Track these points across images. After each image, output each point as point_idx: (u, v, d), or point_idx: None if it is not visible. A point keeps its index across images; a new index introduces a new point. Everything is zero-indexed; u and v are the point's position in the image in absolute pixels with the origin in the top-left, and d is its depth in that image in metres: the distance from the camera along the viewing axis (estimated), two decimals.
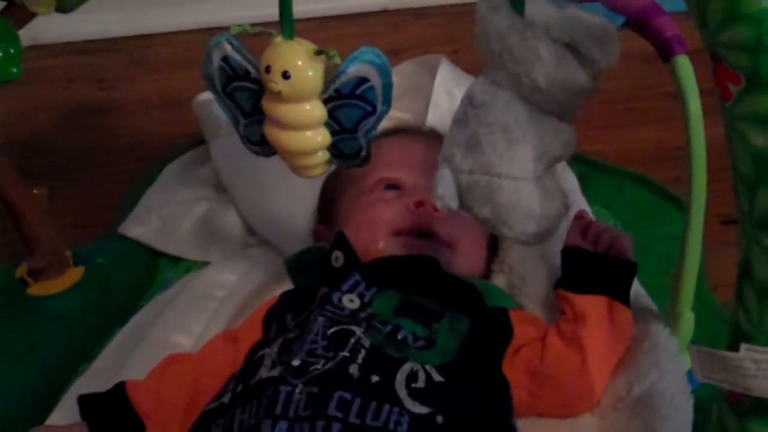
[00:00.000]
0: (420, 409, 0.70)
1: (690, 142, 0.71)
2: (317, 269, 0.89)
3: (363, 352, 0.73)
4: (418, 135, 1.03)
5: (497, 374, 0.78)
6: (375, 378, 0.71)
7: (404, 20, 1.61)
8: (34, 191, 0.95)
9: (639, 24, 0.72)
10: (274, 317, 0.84)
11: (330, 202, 0.99)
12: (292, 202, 1.07)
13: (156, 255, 1.11)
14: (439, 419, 0.70)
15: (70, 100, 1.44)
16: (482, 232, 0.94)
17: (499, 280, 0.94)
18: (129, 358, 0.91)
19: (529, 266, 0.94)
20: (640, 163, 1.24)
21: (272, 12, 1.82)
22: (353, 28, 1.62)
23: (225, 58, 0.74)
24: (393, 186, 0.93)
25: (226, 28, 1.68)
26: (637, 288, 0.91)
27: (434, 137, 1.02)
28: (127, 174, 1.28)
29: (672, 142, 1.30)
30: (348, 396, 0.69)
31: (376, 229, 0.89)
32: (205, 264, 1.08)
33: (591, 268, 0.84)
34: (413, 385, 0.72)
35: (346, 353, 0.73)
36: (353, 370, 0.72)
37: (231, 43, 0.73)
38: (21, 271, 1.01)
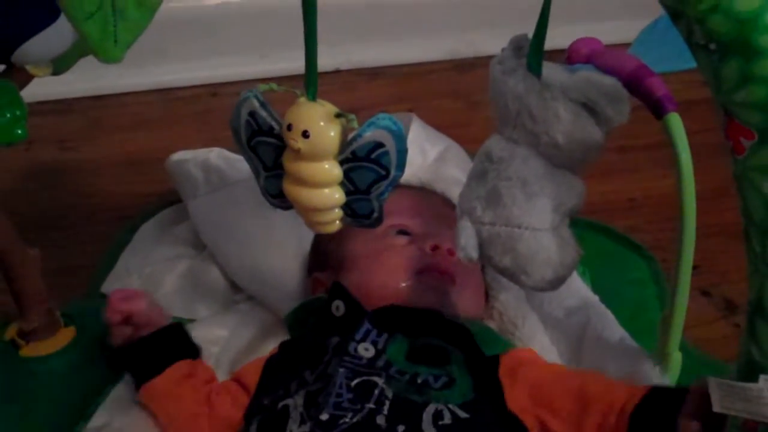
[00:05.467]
0: None
1: (681, 191, 0.76)
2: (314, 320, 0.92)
3: (387, 402, 0.76)
4: (414, 189, 1.08)
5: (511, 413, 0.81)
6: (401, 428, 0.74)
7: (358, 80, 1.64)
8: (29, 251, 0.95)
9: (631, 84, 0.76)
10: (283, 369, 0.85)
11: (331, 249, 1.01)
12: (277, 258, 1.08)
13: None
14: None
15: (31, 162, 1.43)
16: (481, 277, 0.99)
17: (490, 326, 0.98)
18: (128, 413, 0.91)
19: (519, 311, 0.99)
20: (595, 214, 1.29)
21: (224, 73, 1.82)
22: None
23: (252, 113, 0.76)
24: (404, 232, 0.96)
25: (180, 89, 1.69)
26: (620, 330, 0.97)
27: (427, 191, 1.07)
28: (96, 235, 1.27)
29: (623, 194, 1.37)
30: None
31: (395, 273, 0.92)
32: (191, 321, 1.08)
33: None
34: (440, 423, 0.75)
35: (372, 405, 0.76)
36: (380, 420, 0.75)
37: (258, 100, 0.76)
38: (11, 332, 0.99)
